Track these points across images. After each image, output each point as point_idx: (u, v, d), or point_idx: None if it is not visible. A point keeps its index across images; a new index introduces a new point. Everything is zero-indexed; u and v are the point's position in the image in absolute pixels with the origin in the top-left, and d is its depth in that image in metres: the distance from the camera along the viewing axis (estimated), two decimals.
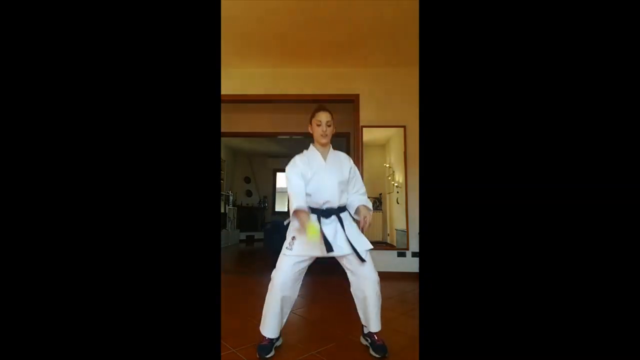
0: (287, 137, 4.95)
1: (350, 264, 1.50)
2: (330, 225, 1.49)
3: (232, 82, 3.39)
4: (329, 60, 3.30)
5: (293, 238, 1.49)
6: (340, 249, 1.46)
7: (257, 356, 1.42)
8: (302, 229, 1.37)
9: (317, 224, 1.42)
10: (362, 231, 1.50)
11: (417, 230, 3.27)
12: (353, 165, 1.63)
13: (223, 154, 6.52)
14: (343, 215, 1.53)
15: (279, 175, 8.04)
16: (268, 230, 5.68)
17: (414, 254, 3.29)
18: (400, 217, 3.44)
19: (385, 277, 2.99)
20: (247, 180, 8.06)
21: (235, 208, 7.36)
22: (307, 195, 1.50)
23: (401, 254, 3.32)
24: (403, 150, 3.40)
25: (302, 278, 1.55)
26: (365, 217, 1.47)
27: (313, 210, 1.49)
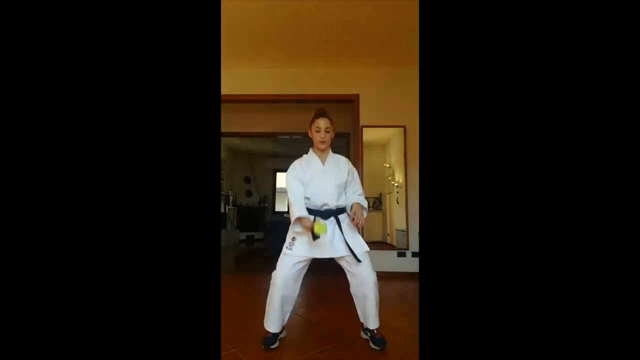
0: (287, 137, 4.96)
1: (349, 265, 1.54)
2: (328, 227, 1.53)
3: (232, 82, 3.39)
4: (329, 60, 3.30)
5: (293, 239, 1.54)
6: (338, 251, 1.51)
7: (263, 347, 1.50)
8: (307, 231, 1.46)
9: (322, 220, 1.48)
10: (357, 227, 1.52)
11: (417, 230, 3.27)
12: (351, 167, 1.67)
13: (223, 154, 6.52)
14: (341, 217, 1.57)
15: (279, 175, 8.03)
16: (268, 230, 5.68)
17: (414, 254, 3.29)
18: (400, 217, 3.44)
19: (385, 277, 3.03)
20: (247, 180, 8.06)
21: (235, 208, 7.36)
22: (306, 198, 1.56)
23: (401, 254, 3.32)
24: (403, 150, 3.40)
25: (302, 277, 1.59)
26: (355, 213, 1.49)
27: (312, 212, 1.55)
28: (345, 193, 1.62)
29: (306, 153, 1.67)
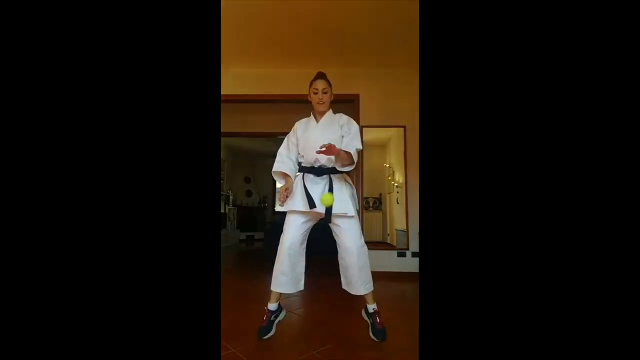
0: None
1: (337, 229, 1.55)
2: (319, 185, 1.56)
3: (232, 82, 3.39)
4: (329, 60, 3.30)
5: (287, 196, 1.61)
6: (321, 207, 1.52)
7: (258, 337, 1.52)
8: (281, 189, 1.58)
9: (330, 195, 1.51)
10: (327, 151, 1.36)
11: (417, 230, 3.27)
12: (348, 121, 1.62)
13: (223, 154, 6.52)
14: (335, 176, 1.58)
15: None
16: (268, 230, 5.68)
17: (414, 254, 3.29)
18: (400, 217, 3.44)
19: (385, 277, 3.03)
20: (247, 180, 8.06)
21: (235, 208, 7.36)
22: (301, 156, 1.63)
23: (401, 254, 3.32)
24: (403, 150, 3.40)
25: (306, 240, 1.64)
26: (329, 145, 1.34)
27: (307, 169, 1.59)
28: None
29: None
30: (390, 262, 3.29)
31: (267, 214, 8.03)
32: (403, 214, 3.38)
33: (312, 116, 1.69)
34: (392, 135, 3.64)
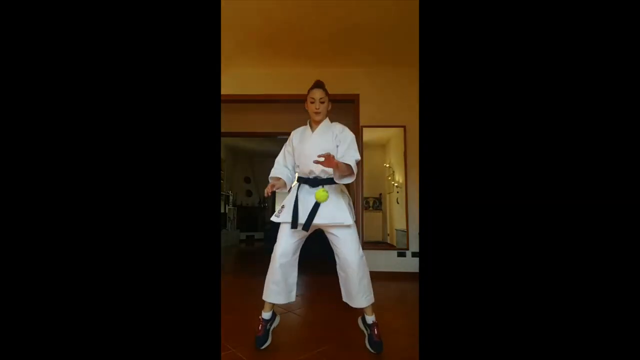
0: (287, 137, 4.95)
1: (335, 240, 1.52)
2: (314, 196, 1.52)
3: (232, 82, 3.39)
4: (329, 60, 3.30)
5: (282, 207, 1.60)
6: (322, 218, 1.49)
7: (256, 346, 1.49)
8: (269, 189, 1.57)
9: (326, 189, 1.50)
10: (325, 162, 1.33)
11: (417, 230, 3.27)
12: (342, 131, 1.58)
13: (223, 154, 6.52)
14: (330, 187, 1.54)
15: None
16: (268, 230, 5.68)
17: (414, 254, 3.29)
18: (400, 217, 3.44)
19: (385, 277, 3.03)
20: (247, 180, 8.06)
21: (235, 208, 7.36)
22: (297, 166, 1.63)
23: (401, 254, 3.32)
24: (403, 150, 3.40)
25: (299, 250, 1.61)
26: (327, 156, 1.32)
27: (302, 180, 1.59)
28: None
29: None
30: (390, 262, 3.29)
31: (267, 214, 8.03)
32: (403, 214, 3.38)
33: (308, 125, 1.67)
34: (392, 135, 3.64)
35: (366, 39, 2.89)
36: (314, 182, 1.56)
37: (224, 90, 2.98)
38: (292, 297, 1.59)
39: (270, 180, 1.65)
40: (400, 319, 1.94)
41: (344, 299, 1.58)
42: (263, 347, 1.50)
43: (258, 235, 7.35)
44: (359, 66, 3.41)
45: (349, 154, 1.50)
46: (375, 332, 1.50)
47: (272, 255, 1.56)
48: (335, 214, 1.49)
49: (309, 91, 1.63)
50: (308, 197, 1.53)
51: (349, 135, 1.57)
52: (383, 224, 3.94)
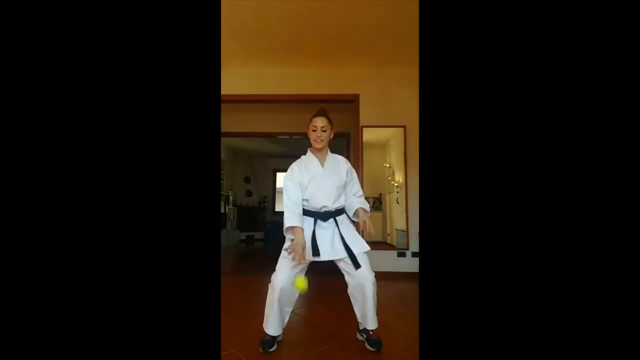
0: (287, 137, 4.95)
1: (347, 266, 1.53)
2: (328, 230, 1.54)
3: (232, 82, 3.39)
4: (329, 60, 3.30)
5: (292, 240, 1.52)
6: (337, 253, 1.51)
7: (261, 350, 1.48)
8: (297, 246, 1.42)
9: (305, 278, 1.48)
10: (363, 234, 1.53)
11: (417, 230, 3.27)
12: (350, 167, 1.66)
13: (223, 154, 6.52)
14: (340, 218, 1.58)
15: (279, 175, 8.01)
16: (268, 230, 5.68)
17: (414, 254, 3.29)
18: (400, 217, 3.44)
19: (385, 277, 3.03)
20: (247, 180, 8.05)
21: (235, 208, 7.36)
22: (305, 200, 1.56)
23: (401, 254, 3.32)
24: (403, 150, 3.40)
25: None
26: (365, 222, 1.50)
27: (311, 214, 1.56)
28: (345, 194, 1.62)
29: (305, 154, 1.66)
30: (390, 262, 3.29)
31: (267, 214, 8.03)
32: (403, 214, 3.38)
33: (310, 155, 1.62)
34: (392, 135, 3.64)
35: (366, 39, 2.89)
36: (325, 215, 1.56)
37: (224, 90, 2.97)
38: (284, 324, 1.58)
39: (289, 234, 1.49)
40: (400, 319, 1.94)
41: (359, 320, 1.58)
42: (271, 349, 1.49)
43: (258, 235, 7.33)
44: (359, 66, 3.41)
45: (358, 193, 1.63)
46: (372, 332, 1.53)
47: (271, 286, 1.54)
48: (353, 244, 1.51)
49: (311, 119, 1.59)
50: (323, 231, 1.54)
51: (354, 173, 1.67)
52: (383, 224, 3.94)
